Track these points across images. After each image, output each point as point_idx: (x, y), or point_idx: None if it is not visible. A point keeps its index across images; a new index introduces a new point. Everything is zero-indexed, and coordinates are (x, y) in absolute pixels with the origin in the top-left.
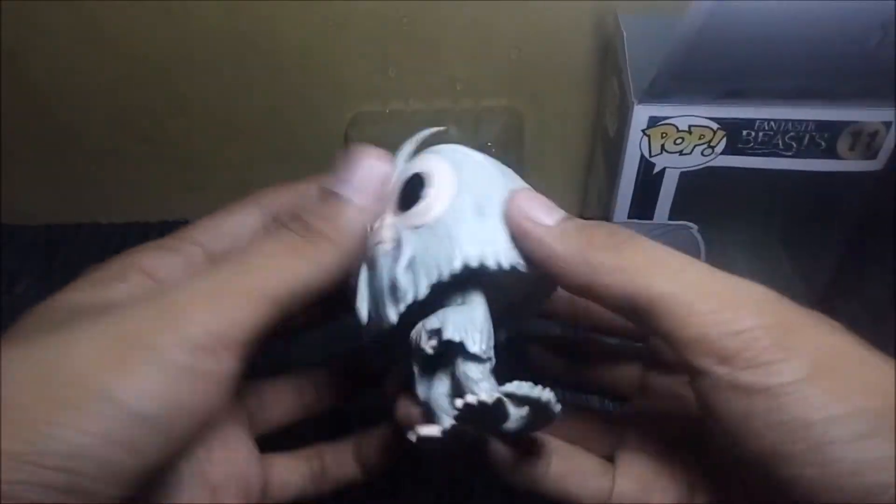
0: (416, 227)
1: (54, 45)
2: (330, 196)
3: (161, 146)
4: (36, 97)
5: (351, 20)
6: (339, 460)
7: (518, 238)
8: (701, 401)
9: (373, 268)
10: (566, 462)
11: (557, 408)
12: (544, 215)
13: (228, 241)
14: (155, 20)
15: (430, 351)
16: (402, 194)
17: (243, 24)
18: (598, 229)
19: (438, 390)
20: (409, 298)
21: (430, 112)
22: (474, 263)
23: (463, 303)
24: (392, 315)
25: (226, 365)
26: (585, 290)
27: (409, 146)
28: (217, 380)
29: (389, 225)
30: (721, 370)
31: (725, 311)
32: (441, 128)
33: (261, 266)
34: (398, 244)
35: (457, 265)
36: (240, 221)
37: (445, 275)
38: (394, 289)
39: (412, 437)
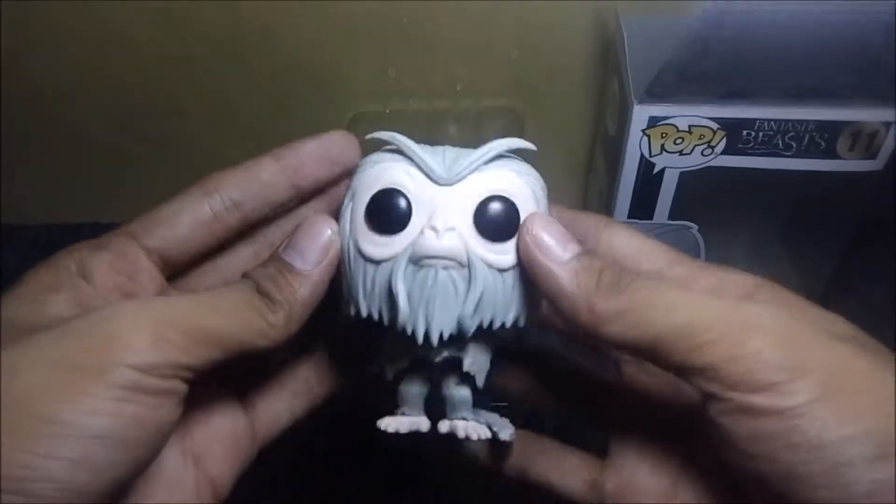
0: (499, 269)
1: (54, 45)
2: (279, 263)
3: (161, 146)
4: (36, 97)
5: (351, 20)
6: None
7: (528, 265)
8: (713, 423)
9: (420, 266)
10: (551, 459)
11: (512, 438)
12: (559, 248)
13: (168, 231)
14: (155, 20)
15: (438, 360)
16: (483, 214)
17: (243, 24)
18: (605, 271)
19: (414, 389)
20: (463, 332)
21: (430, 112)
22: (521, 324)
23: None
24: (433, 333)
25: (173, 384)
26: (592, 333)
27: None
28: (166, 396)
29: (460, 245)
30: (732, 395)
31: (729, 336)
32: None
33: (217, 310)
34: (467, 279)
35: (509, 321)
36: (180, 209)
37: (496, 325)
38: (444, 311)
39: (384, 427)
